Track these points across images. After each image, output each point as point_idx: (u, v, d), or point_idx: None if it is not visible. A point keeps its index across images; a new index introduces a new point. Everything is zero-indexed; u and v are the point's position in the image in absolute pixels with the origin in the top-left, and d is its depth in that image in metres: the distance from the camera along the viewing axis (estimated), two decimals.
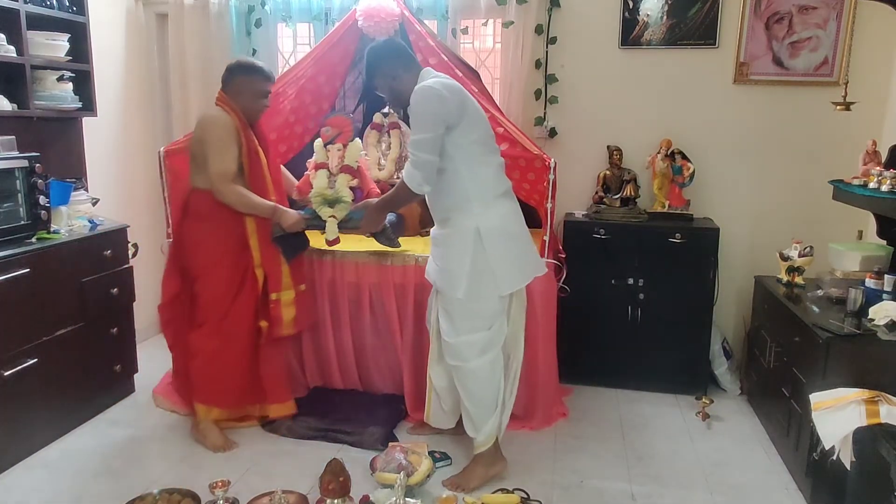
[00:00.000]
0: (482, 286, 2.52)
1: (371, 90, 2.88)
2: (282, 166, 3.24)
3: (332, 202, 3.03)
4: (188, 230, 2.90)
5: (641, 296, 3.49)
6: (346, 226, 3.02)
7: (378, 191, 3.17)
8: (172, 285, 2.97)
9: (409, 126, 2.71)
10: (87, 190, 3.42)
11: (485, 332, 2.57)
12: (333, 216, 3.02)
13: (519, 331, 2.74)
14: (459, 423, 2.81)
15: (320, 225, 3.03)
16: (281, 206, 2.88)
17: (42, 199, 2.92)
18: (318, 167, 3.15)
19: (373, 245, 3.08)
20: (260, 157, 2.89)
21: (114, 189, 3.92)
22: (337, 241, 3.05)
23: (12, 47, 2.98)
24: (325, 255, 3.16)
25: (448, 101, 2.42)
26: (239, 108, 2.82)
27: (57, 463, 2.81)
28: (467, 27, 3.82)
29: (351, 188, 3.07)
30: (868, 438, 2.13)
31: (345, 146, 3.16)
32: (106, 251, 3.19)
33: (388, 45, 2.65)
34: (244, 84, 2.82)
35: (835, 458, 2.26)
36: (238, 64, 2.88)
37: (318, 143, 3.22)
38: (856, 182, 2.89)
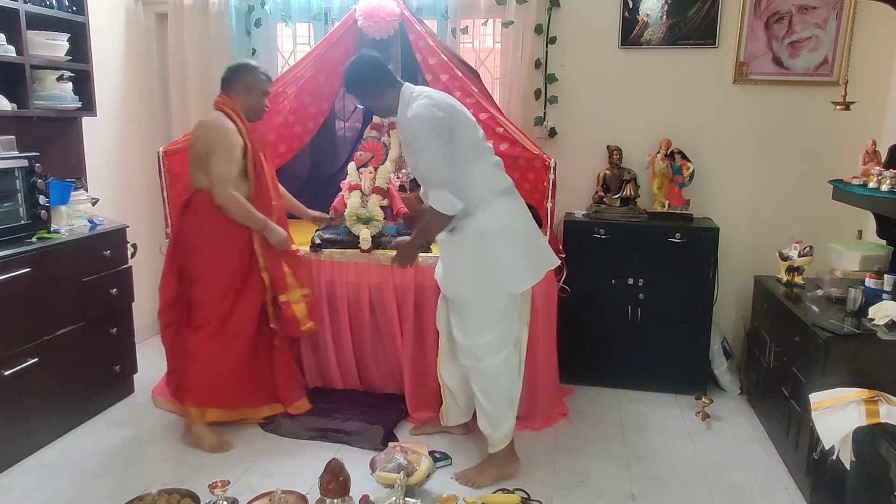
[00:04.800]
0: (491, 286, 2.54)
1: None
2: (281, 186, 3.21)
3: (365, 221, 3.19)
4: (189, 230, 2.91)
5: (641, 295, 3.48)
6: (378, 241, 3.17)
7: (406, 210, 3.21)
8: (170, 289, 2.97)
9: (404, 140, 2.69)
10: (86, 190, 3.42)
11: (497, 332, 2.58)
12: (366, 232, 3.18)
13: (525, 326, 2.77)
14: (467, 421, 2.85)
15: (354, 241, 3.17)
16: (272, 223, 2.90)
17: (42, 199, 2.92)
18: (351, 188, 3.29)
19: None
20: (262, 161, 2.94)
21: (113, 189, 3.92)
22: (371, 249, 3.17)
23: (12, 47, 2.98)
24: (324, 255, 3.16)
25: (440, 117, 2.43)
26: (242, 108, 2.87)
27: (56, 463, 2.80)
28: (467, 27, 3.82)
29: (381, 207, 3.22)
30: (868, 438, 2.13)
31: (376, 169, 3.28)
32: (105, 251, 3.19)
33: (363, 66, 2.56)
34: (251, 83, 2.89)
35: (834, 457, 2.26)
36: (241, 64, 2.97)
37: (352, 165, 3.34)
38: (855, 182, 2.89)
